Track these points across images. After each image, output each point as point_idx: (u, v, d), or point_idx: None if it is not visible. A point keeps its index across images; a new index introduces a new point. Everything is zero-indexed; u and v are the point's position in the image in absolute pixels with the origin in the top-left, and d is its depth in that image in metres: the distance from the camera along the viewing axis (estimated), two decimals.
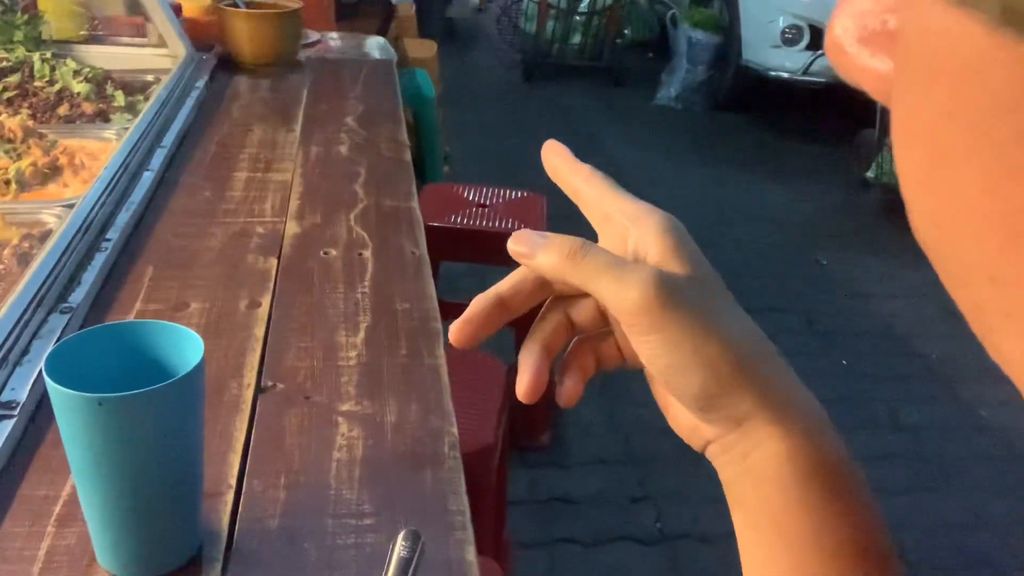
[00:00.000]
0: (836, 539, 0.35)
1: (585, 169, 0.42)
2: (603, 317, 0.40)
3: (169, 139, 1.33)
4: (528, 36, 5.53)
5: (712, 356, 0.35)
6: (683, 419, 0.39)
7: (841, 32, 0.22)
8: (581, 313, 0.41)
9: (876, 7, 0.21)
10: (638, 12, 6.00)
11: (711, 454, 0.38)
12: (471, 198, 2.22)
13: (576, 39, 5.52)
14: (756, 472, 0.36)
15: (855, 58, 0.21)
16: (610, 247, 0.39)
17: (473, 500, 0.74)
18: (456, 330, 0.40)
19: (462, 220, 2.09)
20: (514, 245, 0.39)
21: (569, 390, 0.41)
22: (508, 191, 2.28)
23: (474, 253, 2.10)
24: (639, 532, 1.97)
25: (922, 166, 0.19)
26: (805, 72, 4.29)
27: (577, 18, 5.44)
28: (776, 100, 4.78)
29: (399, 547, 0.63)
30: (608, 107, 5.09)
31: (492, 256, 2.24)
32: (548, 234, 0.39)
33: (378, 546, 0.67)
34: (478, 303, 0.40)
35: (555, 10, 5.40)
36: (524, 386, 0.39)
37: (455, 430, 0.82)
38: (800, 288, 3.15)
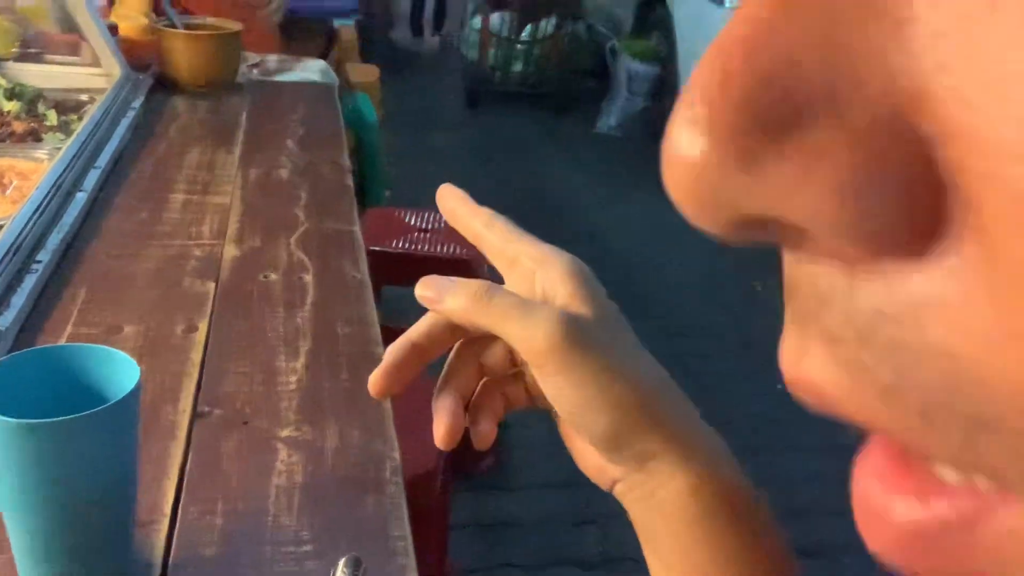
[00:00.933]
0: (745, 568, 0.36)
1: (485, 213, 0.43)
2: (512, 359, 0.41)
3: (103, 160, 1.30)
4: (471, 63, 5.57)
5: (617, 396, 0.36)
6: (590, 459, 0.40)
7: (725, 131, 0.14)
8: (491, 356, 0.41)
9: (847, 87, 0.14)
10: (580, 42, 6.09)
11: (619, 493, 0.39)
12: (413, 223, 2.22)
13: (518, 67, 5.57)
14: (664, 509, 0.37)
15: (765, 176, 0.14)
16: (517, 291, 0.40)
17: (416, 525, 0.73)
18: (375, 381, 0.41)
19: (404, 244, 2.08)
20: (421, 290, 0.40)
21: (482, 432, 0.41)
22: None
23: (416, 277, 2.08)
24: (582, 555, 1.97)
25: None
26: None
27: (519, 46, 5.49)
28: None
29: (340, 574, 0.62)
30: (550, 134, 5.14)
31: None
32: (455, 279, 0.39)
33: (318, 573, 0.66)
34: (393, 352, 0.41)
35: (496, 38, 5.45)
36: (441, 434, 0.40)
37: (397, 455, 0.81)
38: (738, 312, 3.20)
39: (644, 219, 4.00)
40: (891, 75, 0.13)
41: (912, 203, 0.13)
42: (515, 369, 0.42)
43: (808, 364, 0.16)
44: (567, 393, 0.36)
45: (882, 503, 0.15)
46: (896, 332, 0.14)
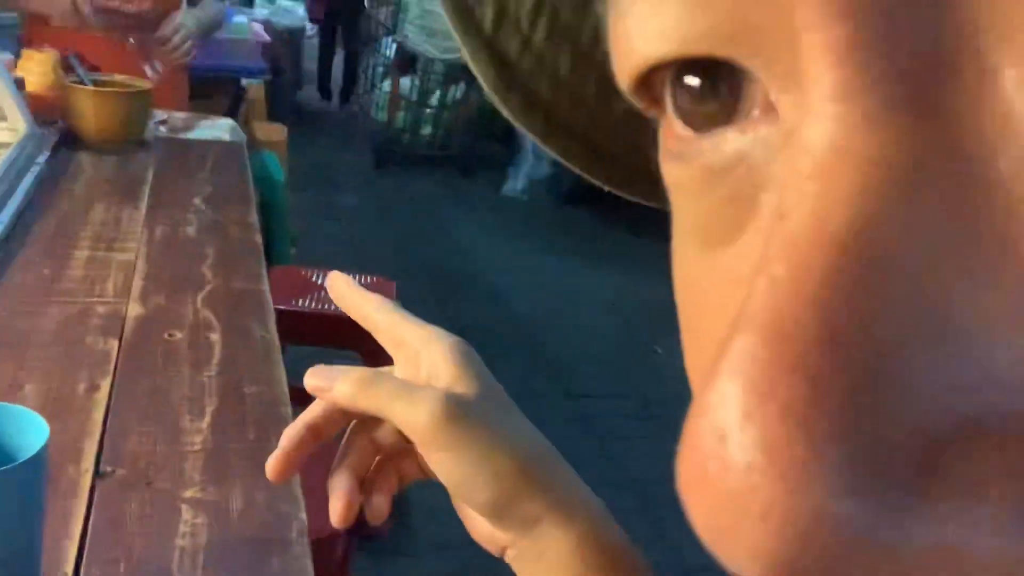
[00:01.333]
0: None
1: (374, 298, 0.46)
2: (403, 436, 0.43)
3: (6, 215, 1.28)
4: (379, 125, 5.62)
5: (498, 467, 0.38)
6: (481, 527, 0.42)
7: (832, 493, 0.12)
8: (383, 434, 0.44)
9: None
10: (488, 107, 6.22)
11: (509, 559, 0.41)
12: (318, 281, 2.22)
13: (427, 130, 5.65)
14: (551, 570, 0.39)
15: (917, 525, 0.12)
16: (403, 370, 0.43)
17: None
18: (272, 466, 0.43)
19: (309, 303, 2.08)
20: (310, 380, 0.42)
21: (376, 507, 0.44)
22: (357, 276, 2.30)
23: (321, 337, 2.09)
24: None
25: None
26: None
27: (428, 110, 5.58)
28: (614, 194, 5.04)
29: None
30: (457, 196, 5.21)
31: (339, 340, 2.23)
32: (343, 367, 0.42)
33: None
34: (289, 437, 0.43)
35: (405, 101, 5.53)
36: (337, 512, 0.42)
37: (303, 515, 0.82)
38: (638, 374, 3.29)
39: (549, 282, 4.08)
40: None
41: None
42: (407, 445, 0.43)
43: None
44: (451, 468, 0.38)
45: None
46: None
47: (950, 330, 0.12)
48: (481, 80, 0.26)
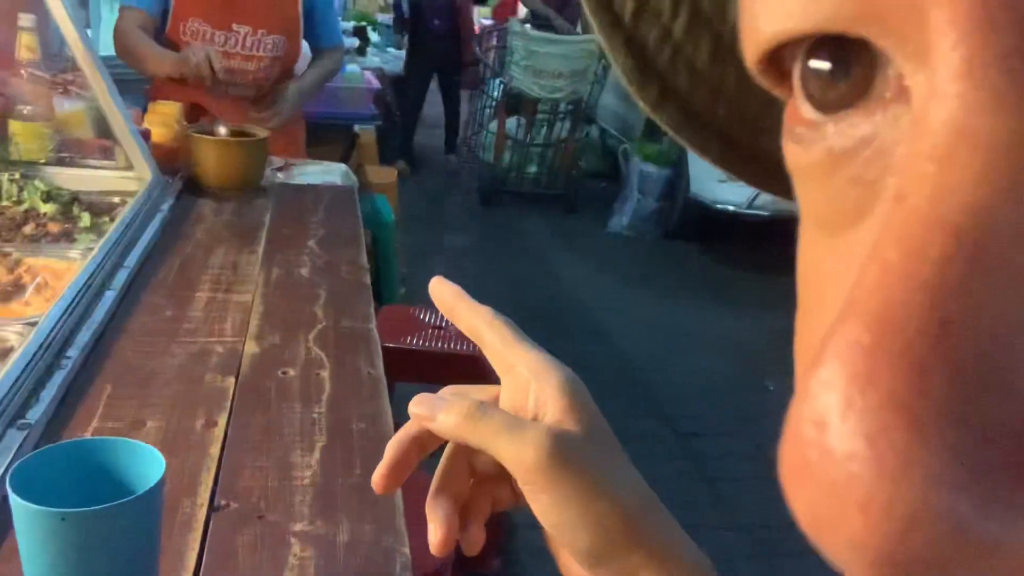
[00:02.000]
0: None
1: (486, 312, 0.44)
2: (502, 465, 0.42)
3: (132, 259, 1.36)
4: (486, 164, 5.72)
5: (600, 515, 0.37)
6: (575, 571, 0.41)
7: (951, 490, 0.11)
8: (481, 459, 0.43)
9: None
10: (592, 144, 6.25)
11: None
12: (427, 320, 2.26)
13: (532, 169, 5.71)
14: None
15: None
16: (511, 397, 0.42)
17: None
18: (379, 478, 0.43)
19: (418, 341, 2.12)
20: (415, 408, 0.41)
21: (472, 538, 0.43)
22: None
23: (429, 374, 2.12)
24: None
25: None
26: (749, 206, 4.48)
27: (533, 149, 5.65)
28: (724, 230, 4.96)
29: None
30: (562, 234, 5.23)
31: (446, 377, 2.26)
32: (448, 396, 0.41)
33: None
34: (394, 449, 0.43)
35: (512, 141, 5.61)
36: (437, 541, 0.41)
37: (407, 550, 0.83)
38: (749, 413, 3.20)
39: (655, 318, 4.04)
40: None
41: None
42: (503, 471, 0.43)
43: None
44: (552, 511, 0.37)
45: None
46: None
47: None
48: (619, 70, 0.26)
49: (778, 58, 0.18)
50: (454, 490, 0.43)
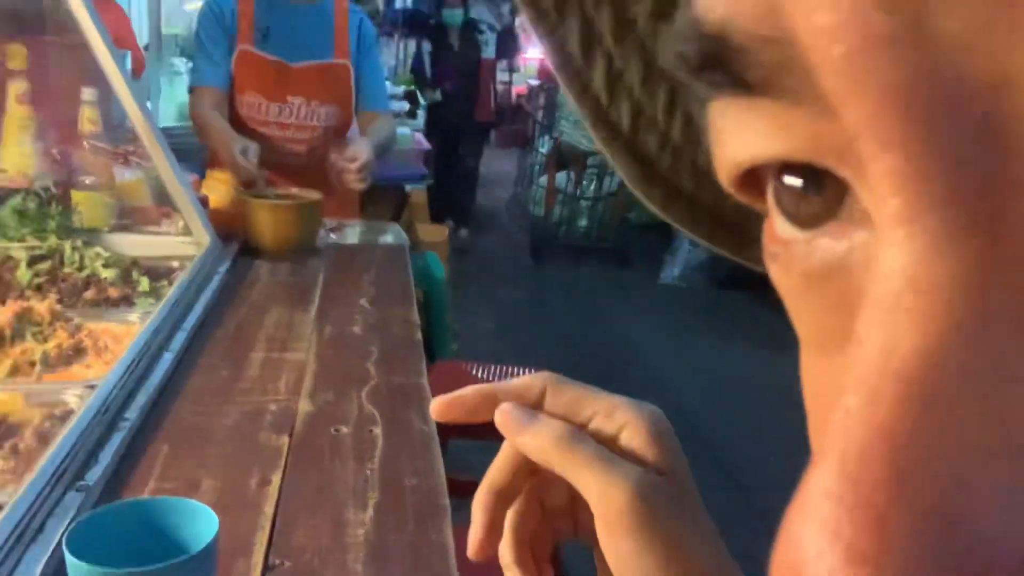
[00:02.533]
0: None
1: (541, 373, 0.41)
2: (572, 500, 0.40)
3: (190, 322, 1.39)
4: (537, 219, 5.76)
5: (679, 572, 0.35)
6: None
7: None
8: (554, 495, 0.41)
9: None
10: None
11: None
12: (479, 375, 2.26)
13: (583, 222, 5.74)
14: None
15: None
16: (599, 427, 0.39)
17: None
18: (478, 547, 0.40)
19: None
20: (501, 419, 0.39)
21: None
22: (516, 368, 2.32)
23: (482, 430, 2.11)
24: None
25: None
26: None
27: (583, 202, 5.68)
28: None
29: None
30: (614, 286, 5.22)
31: (498, 434, 2.25)
32: (538, 414, 0.39)
33: None
34: (483, 511, 0.40)
35: (562, 195, 5.65)
36: (477, 543, 0.40)
37: None
38: (808, 461, 3.12)
39: (711, 368, 3.98)
40: None
41: None
42: (567, 503, 0.41)
43: None
44: (629, 559, 0.36)
45: None
46: None
47: (1019, 463, 0.11)
48: (623, 177, 0.27)
49: (753, 176, 0.18)
50: (527, 531, 0.41)
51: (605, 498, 0.36)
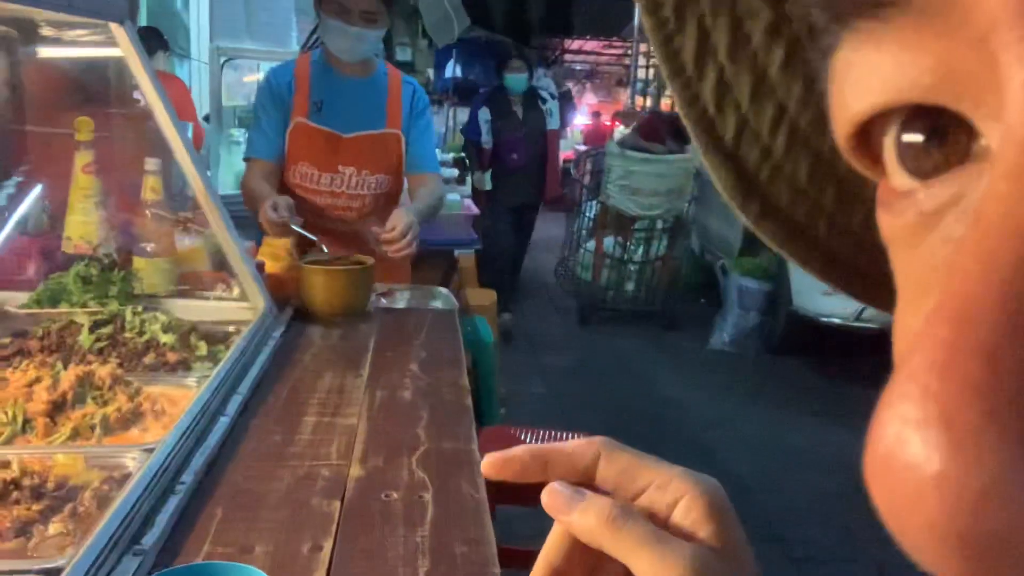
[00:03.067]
0: None
1: (595, 439, 0.41)
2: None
3: (245, 386, 1.41)
4: (584, 283, 5.76)
5: None
6: None
7: (993, 443, 0.12)
8: (609, 571, 0.40)
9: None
10: (690, 261, 6.25)
11: None
12: (527, 440, 2.25)
13: (630, 286, 5.72)
14: None
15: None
16: (651, 498, 0.39)
17: None
18: (489, 462, 0.40)
19: None
20: (548, 500, 0.38)
21: None
22: (564, 434, 2.30)
23: (531, 497, 2.09)
24: None
25: None
26: (857, 319, 4.36)
27: (631, 267, 5.68)
28: (830, 344, 4.82)
29: None
30: (663, 351, 5.18)
31: None
32: (586, 492, 0.38)
33: None
34: (523, 451, 0.40)
35: (610, 259, 5.66)
36: None
37: None
38: (870, 535, 3.02)
39: (762, 437, 3.91)
40: None
41: None
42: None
43: None
44: None
45: None
46: None
47: None
48: (720, 188, 0.27)
49: (868, 139, 0.19)
50: (563, 572, 0.39)
51: None
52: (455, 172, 5.60)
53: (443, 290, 2.30)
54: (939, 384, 0.13)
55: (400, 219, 2.11)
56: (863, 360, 4.77)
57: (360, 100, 2.31)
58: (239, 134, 4.07)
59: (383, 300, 2.10)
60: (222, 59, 3.88)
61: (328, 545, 1.01)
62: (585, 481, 0.40)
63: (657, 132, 5.54)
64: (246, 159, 2.32)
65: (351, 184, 2.30)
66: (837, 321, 4.48)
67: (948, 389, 0.12)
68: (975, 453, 0.12)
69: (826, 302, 4.49)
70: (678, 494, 0.38)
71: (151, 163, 1.81)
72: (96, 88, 2.14)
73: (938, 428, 0.12)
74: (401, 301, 2.14)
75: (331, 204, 2.30)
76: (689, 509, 0.37)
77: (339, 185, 2.29)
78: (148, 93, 1.65)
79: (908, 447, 0.13)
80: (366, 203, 2.33)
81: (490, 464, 0.41)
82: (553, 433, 2.30)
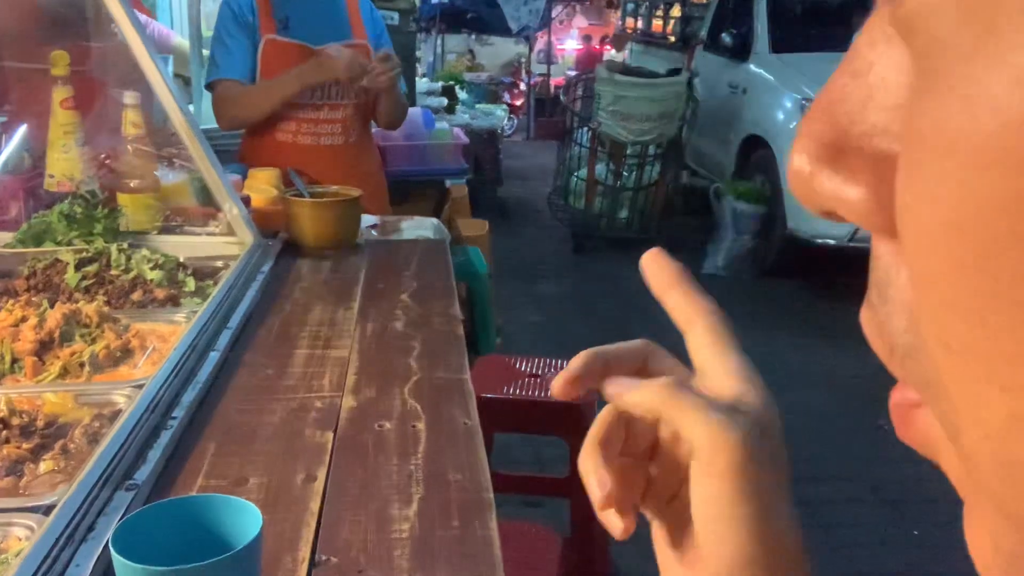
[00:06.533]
0: None
1: (707, 304, 0.43)
2: (654, 445, 0.41)
3: (235, 321, 1.40)
4: (577, 212, 5.73)
5: (770, 534, 0.35)
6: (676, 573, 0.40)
7: (805, 161, 0.22)
8: (632, 446, 0.41)
9: (853, 128, 0.21)
10: (683, 186, 6.20)
11: None
12: (523, 369, 2.25)
13: (624, 213, 5.69)
14: None
15: (826, 187, 0.21)
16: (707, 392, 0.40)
17: None
18: (559, 385, 0.42)
19: (514, 391, 2.11)
20: (610, 387, 0.40)
21: (628, 524, 0.40)
22: (560, 361, 2.31)
23: (527, 423, 2.11)
24: None
25: (930, 285, 0.18)
26: (852, 239, 4.35)
27: (624, 194, 5.64)
28: (825, 264, 4.83)
29: None
30: None
31: (545, 426, 2.25)
32: (639, 380, 0.40)
33: None
34: (581, 358, 0.42)
35: (603, 186, 5.61)
36: (605, 495, 0.39)
37: None
38: (863, 454, 3.07)
39: (757, 358, 3.90)
40: (882, 129, 0.20)
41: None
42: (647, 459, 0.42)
43: (863, 320, 0.23)
44: (718, 503, 0.35)
45: (894, 400, 0.23)
46: (888, 290, 0.21)
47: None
48: None
49: None
50: (615, 448, 0.41)
51: (714, 439, 0.36)
52: (444, 101, 5.52)
53: (434, 220, 2.28)
54: (805, 122, 0.22)
55: (385, 53, 2.30)
56: (857, 280, 4.77)
57: (323, 14, 2.36)
58: None
59: (373, 232, 2.08)
60: None
61: (322, 475, 1.01)
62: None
63: None
64: (214, 81, 2.30)
65: (331, 94, 2.35)
66: (831, 242, 4.48)
67: (806, 126, 0.22)
68: (812, 162, 0.22)
69: (820, 224, 4.47)
70: (733, 385, 0.40)
71: (130, 97, 1.77)
72: (70, 20, 2.08)
73: (800, 150, 0.22)
74: (392, 232, 2.12)
75: (314, 118, 2.35)
76: (746, 395, 0.40)
77: (320, 98, 2.34)
78: (124, 24, 1.61)
79: (793, 160, 0.22)
80: (347, 114, 2.39)
81: (561, 386, 0.42)
82: (549, 361, 2.31)
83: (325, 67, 2.24)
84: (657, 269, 0.43)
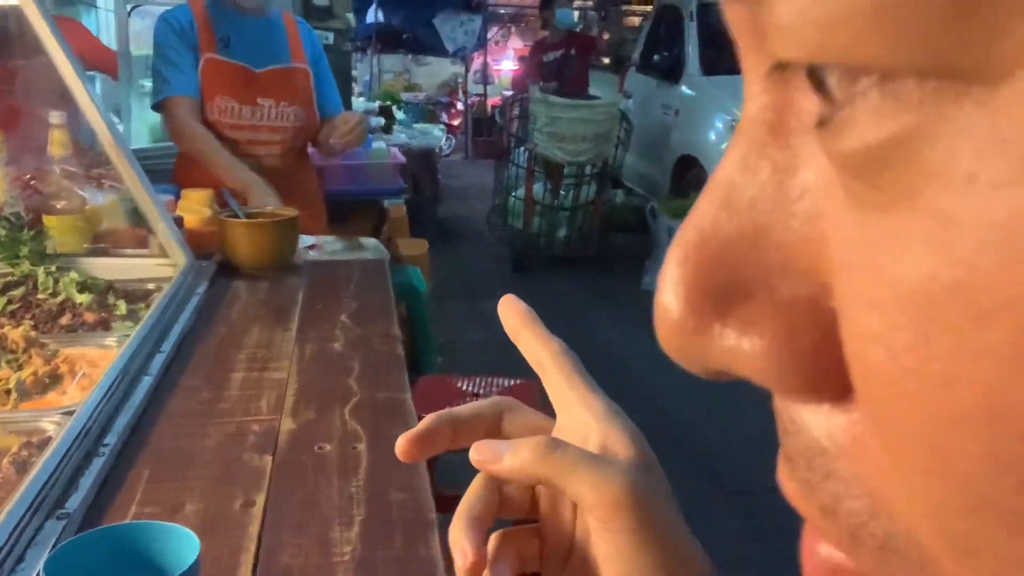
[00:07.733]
0: None
1: (555, 345, 0.43)
2: (533, 503, 0.40)
3: (168, 344, 1.37)
4: (517, 231, 5.75)
5: (676, 570, 0.35)
6: None
7: (685, 311, 0.18)
8: (514, 495, 0.40)
9: (743, 271, 0.17)
10: (619, 205, 6.28)
11: None
12: (465, 388, 2.25)
13: (562, 232, 5.73)
14: None
15: (717, 343, 0.18)
16: (567, 437, 0.39)
17: None
18: (402, 445, 0.41)
19: None
20: (477, 454, 0.38)
21: None
22: (501, 379, 2.31)
23: (469, 443, 2.09)
24: None
25: (935, 472, 0.14)
26: None
27: (562, 213, 5.68)
28: None
29: None
30: (596, 294, 5.22)
31: None
32: (512, 440, 0.38)
33: None
34: (427, 421, 0.41)
35: (540, 206, 5.65)
36: (470, 564, 0.37)
37: None
38: None
39: (700, 376, 3.98)
40: (810, 266, 0.16)
41: (826, 361, 0.16)
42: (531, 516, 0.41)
43: (781, 474, 0.20)
44: (625, 553, 0.35)
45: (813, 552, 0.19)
46: (831, 463, 0.17)
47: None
48: None
49: None
50: (486, 519, 0.39)
51: (599, 492, 0.35)
52: (381, 121, 5.50)
53: (373, 240, 2.26)
54: (672, 257, 0.19)
55: (351, 114, 2.36)
56: None
57: (263, 37, 2.36)
58: (150, 85, 3.92)
59: (311, 252, 2.06)
60: (128, 6, 3.71)
61: (261, 500, 0.99)
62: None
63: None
64: (165, 100, 2.25)
65: (271, 116, 2.34)
66: None
67: (677, 261, 0.18)
68: (690, 309, 0.18)
69: None
70: (593, 422, 0.39)
71: (56, 116, 1.73)
72: None
73: (674, 293, 0.18)
74: (330, 253, 2.10)
75: (253, 139, 2.34)
76: (608, 439, 0.38)
77: (260, 118, 2.33)
78: (49, 42, 1.57)
79: (662, 302, 0.19)
80: (287, 136, 2.38)
81: (405, 452, 0.41)
82: (491, 379, 2.31)
83: (253, 196, 2.14)
84: (509, 312, 0.44)
